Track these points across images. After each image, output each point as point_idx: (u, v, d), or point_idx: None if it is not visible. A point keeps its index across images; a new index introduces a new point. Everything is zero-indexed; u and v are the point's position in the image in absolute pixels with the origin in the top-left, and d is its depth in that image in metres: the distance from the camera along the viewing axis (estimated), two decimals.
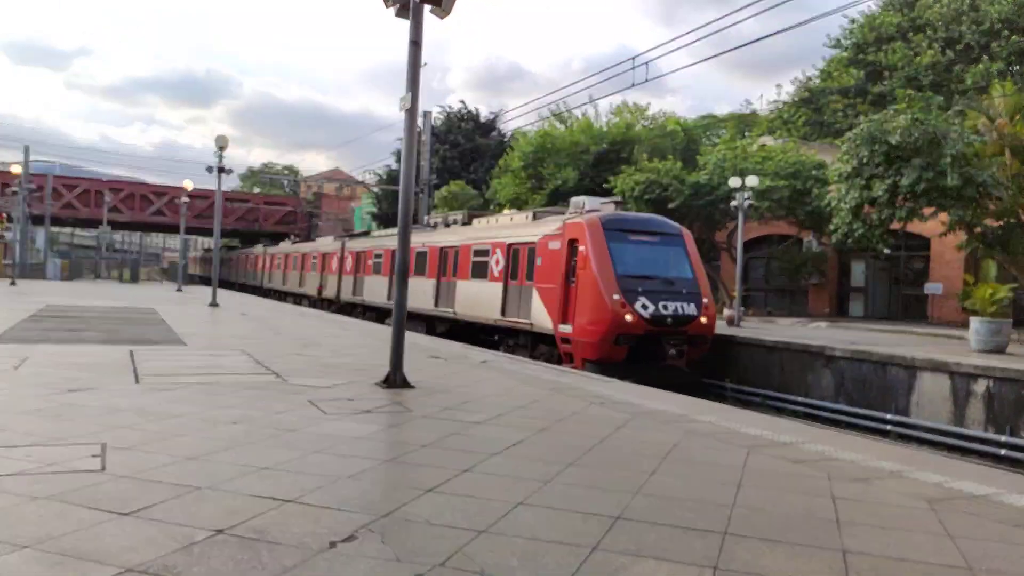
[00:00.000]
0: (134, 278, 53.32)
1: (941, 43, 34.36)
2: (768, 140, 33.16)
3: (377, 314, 27.49)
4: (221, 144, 28.59)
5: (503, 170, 39.20)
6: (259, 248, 54.81)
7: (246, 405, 8.02)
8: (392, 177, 49.75)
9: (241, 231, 66.62)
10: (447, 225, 25.63)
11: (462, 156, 48.84)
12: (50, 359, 10.95)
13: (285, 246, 47.30)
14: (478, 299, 20.47)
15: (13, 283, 38.24)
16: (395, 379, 9.80)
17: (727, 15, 44.01)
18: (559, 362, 16.24)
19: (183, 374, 10.16)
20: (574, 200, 19.20)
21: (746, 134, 36.87)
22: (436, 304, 23.04)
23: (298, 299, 39.19)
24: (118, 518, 4.34)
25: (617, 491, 5.40)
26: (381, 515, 4.58)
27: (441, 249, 23.30)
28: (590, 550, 4.18)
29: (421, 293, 22.85)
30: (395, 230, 25.29)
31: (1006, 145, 18.75)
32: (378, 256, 28.92)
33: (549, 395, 10.00)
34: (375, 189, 54.91)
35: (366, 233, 37.08)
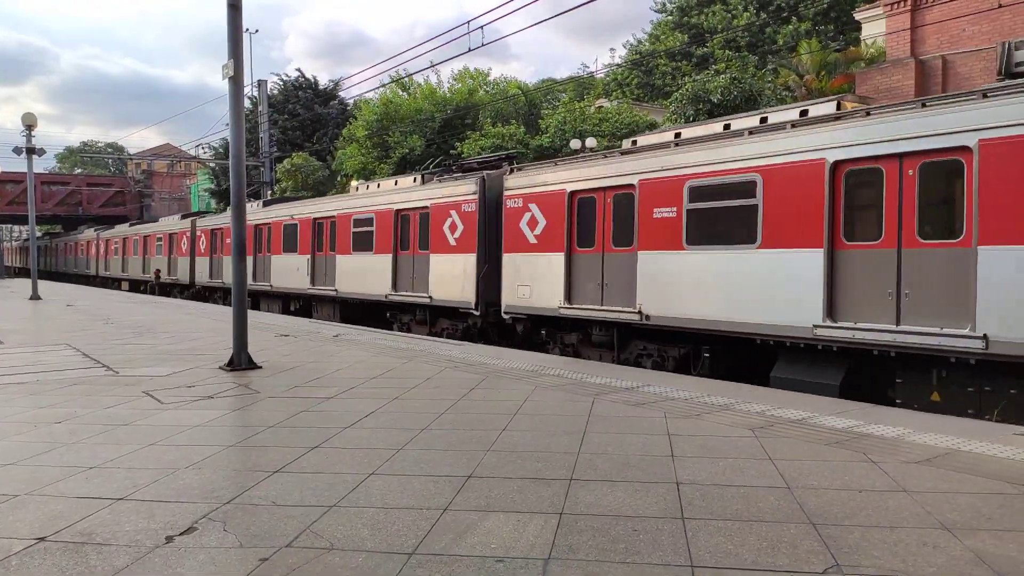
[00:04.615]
0: None
1: (755, 5, 36.68)
2: (604, 102, 34.25)
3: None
4: (29, 122, 26.00)
5: (348, 140, 38.12)
6: (122, 228, 41.09)
7: (72, 403, 7.42)
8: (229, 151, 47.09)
9: (63, 216, 60.95)
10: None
11: (303, 126, 46.93)
12: None
13: (169, 222, 33.55)
14: None
15: None
16: (239, 361, 9.43)
17: None
18: None
19: None
20: None
21: (584, 97, 37.85)
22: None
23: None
24: None
25: (469, 451, 5.50)
26: (224, 502, 4.41)
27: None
28: (441, 511, 4.23)
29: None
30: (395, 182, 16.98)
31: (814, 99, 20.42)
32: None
33: (404, 363, 9.96)
34: (211, 164, 51.84)
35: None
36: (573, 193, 12.16)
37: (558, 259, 12.37)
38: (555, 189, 12.52)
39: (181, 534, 3.93)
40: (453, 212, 14.66)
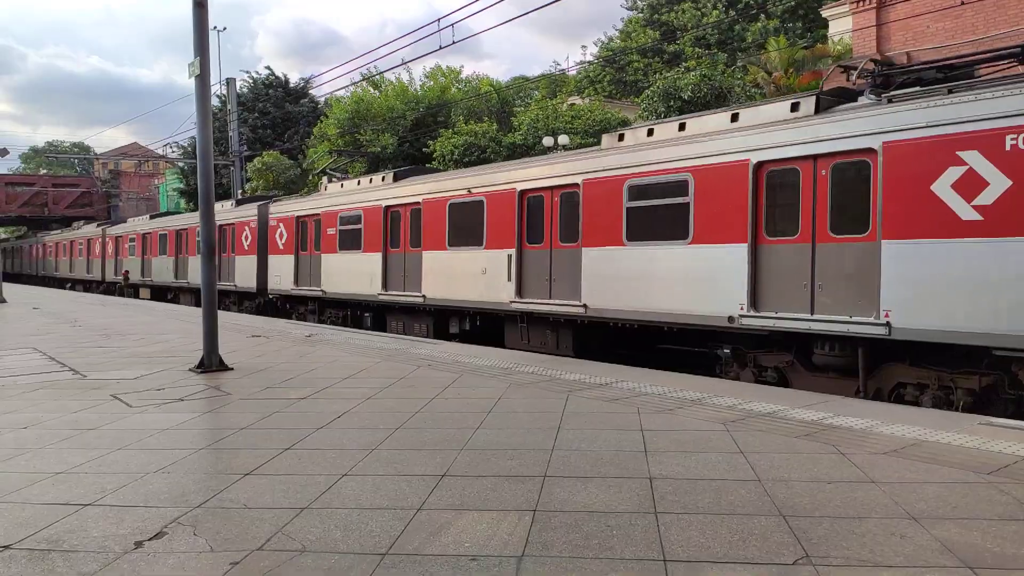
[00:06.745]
0: None
1: (724, 3, 37.03)
2: (577, 100, 34.35)
3: None
4: None
5: (319, 138, 37.83)
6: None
7: (37, 407, 7.28)
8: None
9: (28, 218, 59.90)
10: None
11: (274, 125, 46.45)
12: None
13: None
14: None
15: None
16: (210, 362, 9.32)
17: None
18: None
19: None
20: None
21: (557, 94, 37.94)
22: None
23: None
24: None
25: (443, 450, 5.48)
26: (194, 506, 4.35)
27: None
28: (415, 511, 4.22)
29: None
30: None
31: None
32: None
33: (378, 363, 9.91)
34: (180, 163, 51.15)
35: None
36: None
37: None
38: None
39: (150, 539, 3.87)
40: (966, 156, 7.56)
